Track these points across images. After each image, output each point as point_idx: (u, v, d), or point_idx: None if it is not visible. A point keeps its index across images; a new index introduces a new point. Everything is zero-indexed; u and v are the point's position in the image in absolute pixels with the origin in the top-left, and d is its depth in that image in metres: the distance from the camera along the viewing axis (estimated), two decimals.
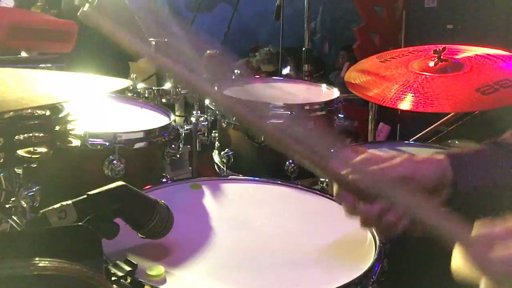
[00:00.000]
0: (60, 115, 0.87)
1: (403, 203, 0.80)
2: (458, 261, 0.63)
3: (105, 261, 0.86)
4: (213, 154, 1.85)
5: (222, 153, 1.70)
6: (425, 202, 0.76)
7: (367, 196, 0.82)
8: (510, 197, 0.85)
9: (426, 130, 2.70)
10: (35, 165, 0.84)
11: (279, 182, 1.39)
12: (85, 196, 0.85)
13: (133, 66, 3.23)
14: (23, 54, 1.78)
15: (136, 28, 3.03)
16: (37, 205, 1.30)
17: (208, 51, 5.13)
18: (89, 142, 1.29)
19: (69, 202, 0.83)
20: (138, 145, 1.37)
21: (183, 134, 1.66)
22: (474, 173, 0.84)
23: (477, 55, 1.76)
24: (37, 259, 0.56)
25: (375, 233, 1.07)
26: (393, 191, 0.80)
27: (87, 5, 1.01)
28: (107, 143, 1.31)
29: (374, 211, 0.82)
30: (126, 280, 0.84)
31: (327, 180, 1.50)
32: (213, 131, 1.82)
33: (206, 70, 5.26)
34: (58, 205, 0.82)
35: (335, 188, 0.85)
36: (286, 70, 4.62)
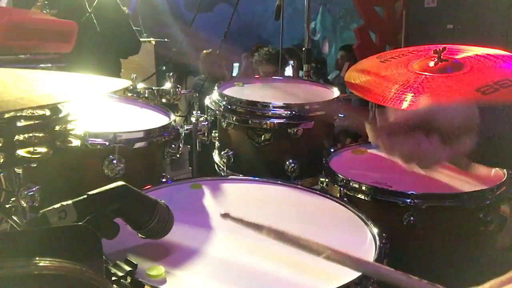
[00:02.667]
0: (60, 115, 0.86)
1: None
2: None
3: (105, 261, 0.86)
4: (213, 154, 1.85)
5: (222, 153, 1.70)
6: None
7: (400, 132, 0.86)
8: None
9: None
10: (35, 165, 0.83)
11: (279, 182, 1.39)
12: (85, 196, 0.85)
13: (133, 66, 3.24)
14: (23, 54, 1.78)
15: (130, 29, 3.05)
16: (37, 205, 1.30)
17: (204, 51, 5.13)
18: (89, 142, 1.29)
19: (69, 202, 0.83)
20: (138, 145, 1.37)
21: (183, 134, 1.66)
22: (498, 122, 0.87)
23: (477, 55, 1.76)
24: (37, 259, 0.56)
25: (375, 233, 1.08)
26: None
27: None
28: (107, 143, 1.31)
29: (411, 142, 0.85)
30: (126, 280, 0.84)
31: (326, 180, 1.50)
32: (213, 131, 1.82)
33: (203, 69, 5.27)
34: (58, 205, 0.81)
35: (371, 133, 0.90)
36: (288, 71, 4.60)
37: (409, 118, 0.86)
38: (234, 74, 5.80)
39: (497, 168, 1.52)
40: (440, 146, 0.85)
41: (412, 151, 0.85)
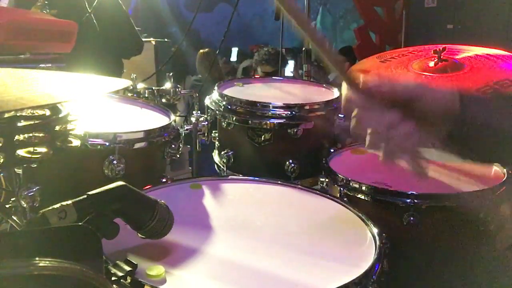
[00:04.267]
0: (60, 115, 0.87)
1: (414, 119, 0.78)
2: None
3: (105, 261, 0.86)
4: (213, 154, 1.85)
5: (222, 153, 1.70)
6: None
7: (378, 104, 0.79)
8: (505, 144, 0.84)
9: None
10: (35, 165, 0.83)
11: (279, 182, 1.39)
12: (85, 196, 0.85)
13: (133, 66, 3.24)
14: (23, 54, 1.78)
15: (131, 29, 3.05)
16: (37, 205, 1.30)
17: (201, 50, 5.14)
18: (89, 142, 1.29)
19: (69, 202, 0.83)
20: (138, 145, 1.37)
21: (183, 134, 1.66)
22: (480, 111, 0.82)
23: (477, 55, 1.76)
24: (37, 259, 0.56)
25: (375, 233, 1.08)
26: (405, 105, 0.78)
27: None
28: (107, 143, 1.31)
29: (384, 120, 0.78)
30: (126, 280, 0.84)
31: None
32: (213, 131, 1.82)
33: (200, 69, 5.25)
34: (58, 205, 0.81)
35: (345, 91, 0.81)
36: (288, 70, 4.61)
37: (395, 92, 0.78)
38: (233, 59, 5.74)
39: (496, 168, 1.52)
40: (411, 134, 0.78)
41: (381, 133, 0.78)
